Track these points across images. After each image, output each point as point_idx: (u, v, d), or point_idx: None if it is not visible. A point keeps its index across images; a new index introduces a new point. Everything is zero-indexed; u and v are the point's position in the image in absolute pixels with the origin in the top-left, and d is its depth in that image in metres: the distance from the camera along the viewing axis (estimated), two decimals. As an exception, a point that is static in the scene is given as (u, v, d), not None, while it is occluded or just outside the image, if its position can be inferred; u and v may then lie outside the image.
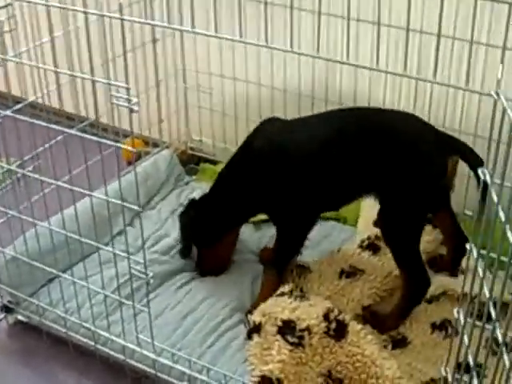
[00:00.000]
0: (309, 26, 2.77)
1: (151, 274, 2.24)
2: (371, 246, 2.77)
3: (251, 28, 2.66)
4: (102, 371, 2.57)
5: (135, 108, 1.98)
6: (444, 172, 2.39)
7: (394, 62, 2.76)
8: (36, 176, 2.37)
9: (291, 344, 2.30)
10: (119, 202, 2.19)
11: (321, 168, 2.45)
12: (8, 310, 2.74)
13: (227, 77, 3.22)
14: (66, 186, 2.31)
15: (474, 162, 2.35)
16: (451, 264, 2.70)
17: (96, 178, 2.29)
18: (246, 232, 2.99)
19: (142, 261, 2.22)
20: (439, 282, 2.62)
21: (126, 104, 1.97)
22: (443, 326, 2.52)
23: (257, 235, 3.01)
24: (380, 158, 2.37)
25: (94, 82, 2.07)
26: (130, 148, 2.32)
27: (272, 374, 2.25)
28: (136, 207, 2.15)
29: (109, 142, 2.16)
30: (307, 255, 2.71)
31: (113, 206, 2.68)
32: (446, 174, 2.40)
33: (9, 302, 2.73)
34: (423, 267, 2.49)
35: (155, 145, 3.35)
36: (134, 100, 1.97)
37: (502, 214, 1.53)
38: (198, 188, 3.23)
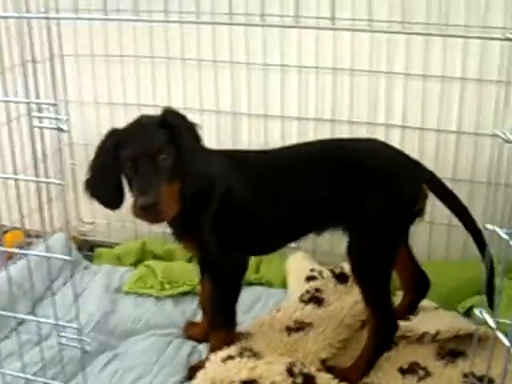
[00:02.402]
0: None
1: (89, 340, 1.83)
2: (313, 299, 2.51)
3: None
4: None
5: (64, 127, 1.64)
6: (418, 197, 2.18)
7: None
8: None
9: (258, 405, 1.95)
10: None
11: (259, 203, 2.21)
12: None
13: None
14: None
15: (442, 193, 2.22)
16: (408, 308, 2.46)
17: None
18: (166, 307, 2.70)
19: (76, 326, 1.81)
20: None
21: (53, 125, 1.64)
22: (412, 370, 2.25)
23: (178, 309, 2.70)
24: (348, 188, 2.16)
25: None
26: None
27: None
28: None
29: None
30: (240, 323, 2.39)
31: (7, 298, 2.35)
32: (419, 197, 2.18)
33: None
34: (393, 308, 2.26)
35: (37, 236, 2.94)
36: (64, 117, 1.64)
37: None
38: (100, 271, 2.92)
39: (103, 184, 2.08)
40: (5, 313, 2.02)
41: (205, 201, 2.13)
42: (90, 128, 2.98)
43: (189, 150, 2.02)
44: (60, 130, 1.65)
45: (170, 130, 2.01)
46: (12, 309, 2.38)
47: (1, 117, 2.41)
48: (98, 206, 2.92)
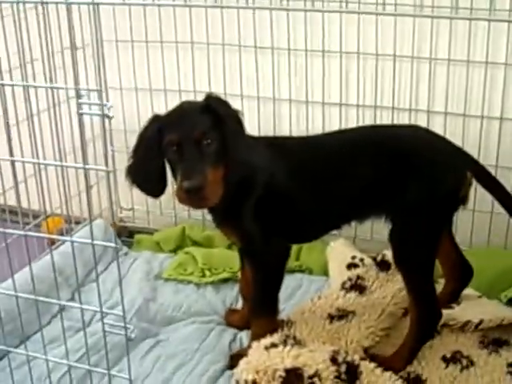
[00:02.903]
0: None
1: (132, 327, 1.82)
2: (355, 287, 2.49)
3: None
4: None
5: (110, 114, 1.63)
6: (462, 184, 2.14)
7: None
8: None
9: (303, 393, 1.93)
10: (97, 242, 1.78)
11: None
12: None
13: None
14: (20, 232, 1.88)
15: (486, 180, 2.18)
16: (450, 296, 2.43)
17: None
18: (207, 294, 2.69)
19: (120, 313, 1.79)
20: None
21: (98, 111, 1.63)
22: (456, 359, 2.22)
23: (219, 296, 2.68)
24: (392, 175, 2.12)
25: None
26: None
27: (287, 433, 1.87)
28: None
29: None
30: (281, 310, 2.37)
31: (48, 284, 2.41)
32: (464, 184, 2.14)
33: None
34: (436, 296, 2.22)
35: (77, 222, 2.93)
36: (108, 104, 1.62)
37: None
38: (140, 257, 2.92)
39: (145, 171, 2.07)
40: (48, 299, 2.01)
41: (247, 188, 2.11)
42: (129, 114, 2.98)
43: (232, 135, 2.00)
44: (107, 116, 1.64)
45: (214, 116, 1.98)
46: (54, 295, 2.39)
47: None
48: (136, 193, 2.95)
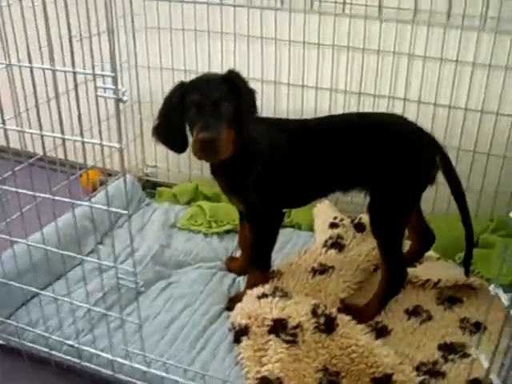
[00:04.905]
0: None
1: (141, 283, 1.55)
2: (335, 245, 2.19)
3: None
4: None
5: (124, 98, 1.34)
6: (433, 164, 1.86)
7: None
8: (15, 189, 1.64)
9: (286, 342, 1.69)
10: (105, 208, 1.50)
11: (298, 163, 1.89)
12: (-17, 335, 1.96)
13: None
14: (47, 196, 1.60)
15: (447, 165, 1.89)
16: (413, 256, 2.14)
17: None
18: (213, 243, 2.39)
19: (131, 269, 1.53)
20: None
21: (113, 95, 1.33)
22: (416, 312, 1.97)
23: (222, 245, 2.39)
24: (374, 155, 1.84)
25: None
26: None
27: (271, 375, 1.62)
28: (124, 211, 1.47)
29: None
30: (273, 260, 2.08)
31: (82, 228, 2.21)
32: (435, 166, 1.86)
33: (-17, 326, 1.94)
34: (404, 260, 1.96)
35: (109, 174, 2.62)
36: (122, 89, 1.33)
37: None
38: (159, 208, 2.60)
39: (169, 130, 1.78)
40: (71, 253, 1.71)
41: (250, 162, 1.82)
42: (155, 89, 2.64)
43: (246, 108, 1.73)
44: (120, 100, 1.35)
45: (233, 86, 1.71)
46: (86, 239, 2.13)
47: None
48: (160, 152, 2.65)
